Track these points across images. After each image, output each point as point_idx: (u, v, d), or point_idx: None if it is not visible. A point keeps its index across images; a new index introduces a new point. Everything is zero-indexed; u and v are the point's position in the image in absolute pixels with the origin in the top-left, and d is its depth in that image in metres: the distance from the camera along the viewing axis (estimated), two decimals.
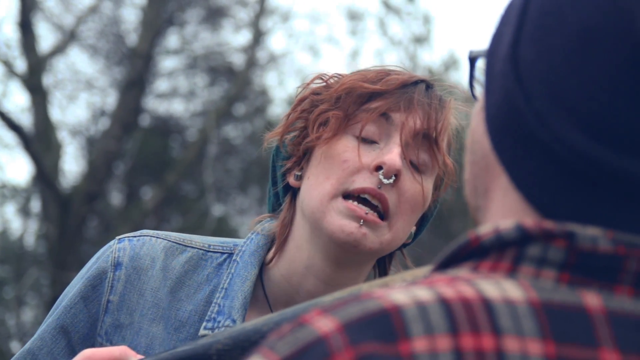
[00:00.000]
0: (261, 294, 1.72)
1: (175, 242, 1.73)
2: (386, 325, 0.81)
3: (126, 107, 12.39)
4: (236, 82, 13.45)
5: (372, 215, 1.64)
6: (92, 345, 1.68)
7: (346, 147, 1.66)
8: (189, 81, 14.51)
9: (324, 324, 0.82)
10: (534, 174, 0.88)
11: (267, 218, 1.78)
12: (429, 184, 1.69)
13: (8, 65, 12.05)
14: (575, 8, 0.88)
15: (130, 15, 13.80)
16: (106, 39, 13.79)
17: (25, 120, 12.29)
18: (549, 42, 0.89)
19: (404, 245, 1.75)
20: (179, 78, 14.44)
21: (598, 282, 0.85)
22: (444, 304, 0.82)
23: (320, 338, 0.81)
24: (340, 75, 1.74)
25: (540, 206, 0.88)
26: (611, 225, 0.86)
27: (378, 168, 1.64)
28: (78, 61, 16.34)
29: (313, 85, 1.75)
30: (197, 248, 1.73)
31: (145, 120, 14.44)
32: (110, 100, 13.66)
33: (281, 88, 14.94)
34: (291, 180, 1.72)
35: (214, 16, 14.16)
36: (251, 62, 13.56)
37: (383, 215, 1.65)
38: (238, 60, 14.09)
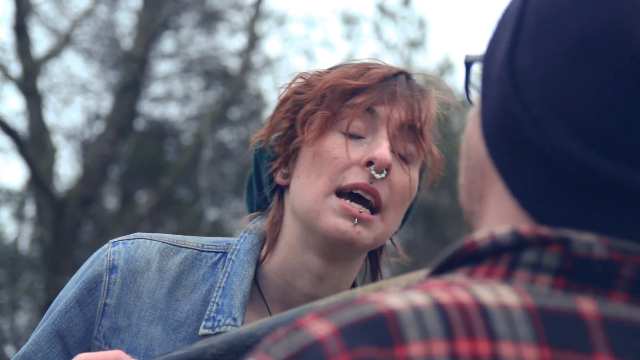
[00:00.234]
0: (256, 291, 1.73)
1: (169, 244, 1.73)
2: (382, 329, 0.81)
3: (121, 111, 12.37)
4: (231, 86, 13.45)
5: (366, 214, 1.65)
6: (88, 350, 1.68)
7: (334, 144, 1.68)
8: (184, 85, 14.50)
9: (320, 328, 0.82)
10: (529, 180, 0.89)
11: (258, 216, 1.79)
12: (415, 174, 1.72)
13: (3, 69, 12.03)
14: (572, 15, 0.88)
15: (125, 19, 13.78)
16: (101, 42, 13.77)
17: (20, 124, 12.27)
18: (546, 49, 0.89)
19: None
20: (174, 82, 14.43)
21: (593, 288, 0.85)
22: (440, 308, 0.82)
23: (316, 342, 0.81)
24: (320, 72, 1.75)
25: (536, 212, 0.88)
26: (606, 232, 0.86)
27: (369, 163, 1.66)
28: (73, 65, 16.37)
29: (294, 85, 1.76)
30: (191, 248, 1.73)
31: (140, 124, 14.43)
32: (105, 104, 13.65)
33: (276, 92, 14.90)
34: (278, 178, 1.73)
35: (209, 20, 14.15)
36: (246, 66, 13.55)
37: (375, 209, 1.67)
38: (233, 64, 14.09)
